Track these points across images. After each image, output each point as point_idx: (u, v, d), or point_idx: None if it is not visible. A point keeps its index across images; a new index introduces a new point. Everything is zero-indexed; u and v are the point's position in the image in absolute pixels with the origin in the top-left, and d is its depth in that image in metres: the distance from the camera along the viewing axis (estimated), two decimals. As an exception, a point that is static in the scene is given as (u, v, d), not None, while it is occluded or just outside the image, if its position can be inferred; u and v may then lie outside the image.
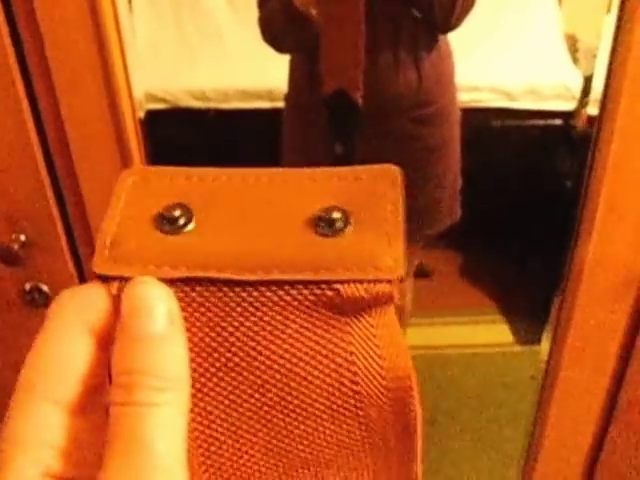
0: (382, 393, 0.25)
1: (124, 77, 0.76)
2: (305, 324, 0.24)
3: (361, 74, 1.18)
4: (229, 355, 0.24)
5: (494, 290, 2.48)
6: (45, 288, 0.86)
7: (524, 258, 2.40)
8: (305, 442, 0.25)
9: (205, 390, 0.24)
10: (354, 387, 0.24)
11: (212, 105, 2.21)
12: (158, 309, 0.23)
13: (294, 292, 0.23)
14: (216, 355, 0.24)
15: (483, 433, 2.00)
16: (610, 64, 0.74)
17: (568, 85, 2.15)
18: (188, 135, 2.15)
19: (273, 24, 1.29)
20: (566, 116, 2.17)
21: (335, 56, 1.19)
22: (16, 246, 0.81)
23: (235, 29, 2.26)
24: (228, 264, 0.23)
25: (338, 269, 0.23)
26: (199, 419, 0.24)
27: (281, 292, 0.23)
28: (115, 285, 0.24)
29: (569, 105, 2.16)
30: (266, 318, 0.23)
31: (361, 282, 0.23)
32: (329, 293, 0.23)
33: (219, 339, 0.24)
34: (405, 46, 1.26)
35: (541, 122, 2.20)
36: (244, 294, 0.23)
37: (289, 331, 0.24)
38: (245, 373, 0.24)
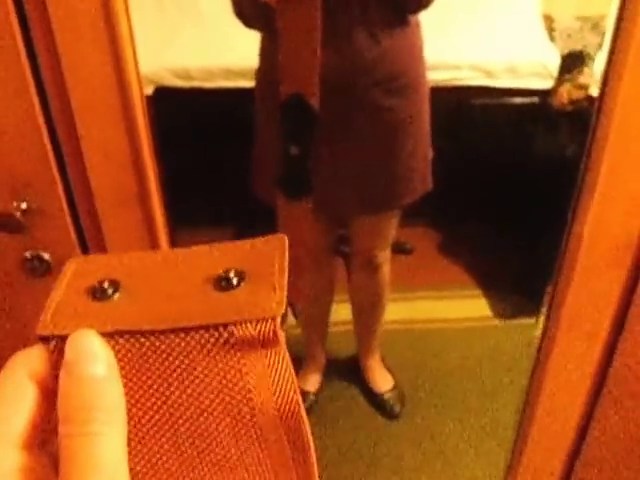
0: (276, 420, 0.29)
1: (130, 44, 0.73)
2: (208, 366, 0.28)
3: (317, 79, 1.14)
4: (147, 394, 0.28)
5: (472, 266, 2.49)
6: (46, 256, 0.82)
7: (501, 234, 2.41)
8: (216, 467, 0.29)
9: (128, 423, 0.28)
10: (253, 417, 0.28)
11: (196, 84, 2.17)
12: (100, 355, 0.27)
13: (197, 336, 0.27)
14: (137, 395, 0.28)
15: (464, 405, 2.01)
16: (615, 33, 0.73)
17: (546, 63, 2.15)
18: (173, 114, 2.11)
19: (240, 2, 1.29)
20: (543, 94, 2.17)
21: (292, 60, 1.14)
22: (18, 214, 0.78)
23: (216, 5, 2.20)
24: (146, 320, 0.28)
25: (232, 314, 0.28)
26: None
27: (187, 338, 0.27)
28: (53, 343, 0.28)
29: (546, 83, 2.17)
30: (176, 362, 0.28)
31: (250, 322, 0.27)
32: (225, 334, 0.27)
33: (139, 382, 0.28)
34: (376, 20, 1.26)
35: (519, 100, 2.21)
36: (158, 342, 0.28)
37: (195, 372, 0.28)
38: (160, 409, 0.28)
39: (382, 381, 2.02)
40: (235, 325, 0.27)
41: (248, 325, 0.28)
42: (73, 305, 0.29)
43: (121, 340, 0.28)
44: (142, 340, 0.28)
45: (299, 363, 2.02)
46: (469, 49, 2.17)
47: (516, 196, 2.25)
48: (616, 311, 0.91)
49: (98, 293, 0.30)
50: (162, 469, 0.29)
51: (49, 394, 0.27)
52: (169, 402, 0.28)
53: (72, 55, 0.70)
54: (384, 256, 1.77)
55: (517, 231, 2.32)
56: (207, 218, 2.16)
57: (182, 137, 2.05)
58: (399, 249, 2.36)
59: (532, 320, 2.23)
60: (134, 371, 0.28)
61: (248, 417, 0.28)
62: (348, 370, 2.08)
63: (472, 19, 2.24)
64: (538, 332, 1.03)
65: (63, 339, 0.27)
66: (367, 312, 1.94)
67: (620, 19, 0.73)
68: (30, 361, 0.27)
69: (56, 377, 0.27)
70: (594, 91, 2.13)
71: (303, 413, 0.29)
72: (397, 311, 2.19)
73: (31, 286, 0.86)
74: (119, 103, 0.74)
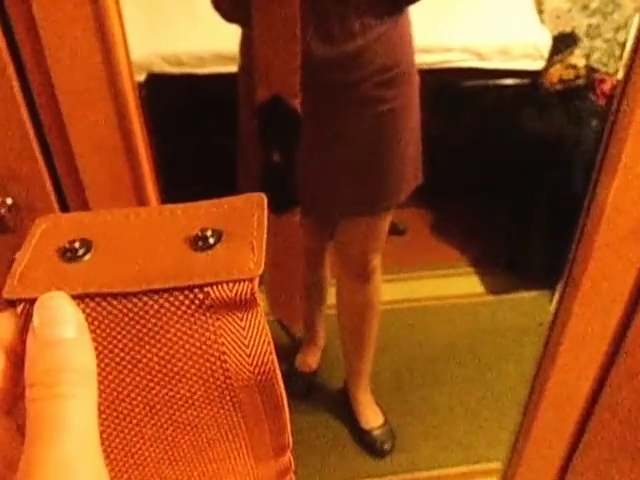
0: (251, 381, 0.27)
1: (120, 32, 0.65)
2: (182, 328, 0.26)
3: (298, 78, 1.04)
4: (119, 357, 0.26)
5: (464, 245, 2.47)
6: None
7: (492, 213, 2.38)
8: (188, 428, 0.28)
9: (99, 387, 0.26)
10: (227, 379, 0.27)
11: (187, 70, 2.08)
12: (69, 317, 0.25)
13: (171, 299, 0.26)
14: (108, 358, 0.26)
15: (459, 380, 1.98)
16: None
17: (537, 45, 2.09)
18: (165, 101, 2.03)
19: None
20: (534, 75, 2.11)
21: (270, 59, 1.04)
22: (3, 210, 0.70)
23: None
24: (118, 282, 0.26)
25: (208, 275, 0.26)
26: None
27: (161, 300, 0.26)
28: (21, 306, 0.26)
29: (538, 64, 2.10)
30: (149, 325, 0.26)
31: (227, 283, 0.26)
32: (200, 296, 0.26)
33: (110, 344, 0.26)
34: (368, 14, 1.17)
35: (510, 81, 2.14)
36: (130, 305, 0.26)
37: (169, 335, 0.26)
38: (132, 372, 0.26)
39: (372, 416, 1.86)
40: (211, 286, 0.26)
41: (224, 286, 0.26)
42: (42, 267, 0.27)
43: (92, 303, 0.26)
44: (114, 302, 0.26)
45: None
46: (460, 31, 2.09)
47: (507, 175, 2.22)
48: (632, 288, 0.87)
49: (68, 253, 0.27)
50: (134, 432, 0.28)
51: (16, 360, 0.25)
52: (141, 365, 0.27)
53: (56, 40, 0.62)
54: (377, 260, 1.62)
55: (508, 210, 2.30)
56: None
57: (175, 124, 1.98)
58: (392, 230, 2.31)
59: (524, 295, 2.25)
60: (105, 334, 0.26)
61: (222, 379, 0.27)
62: (335, 402, 1.94)
63: (463, 1, 2.16)
64: (545, 316, 0.99)
65: (31, 302, 0.26)
66: (357, 329, 1.75)
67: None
68: None
69: (24, 342, 0.25)
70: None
71: (278, 373, 0.28)
72: (391, 291, 2.14)
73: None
74: (108, 90, 0.66)
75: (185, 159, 2.01)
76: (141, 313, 0.26)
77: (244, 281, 0.26)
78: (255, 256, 0.27)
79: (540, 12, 2.30)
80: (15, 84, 0.65)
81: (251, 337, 0.27)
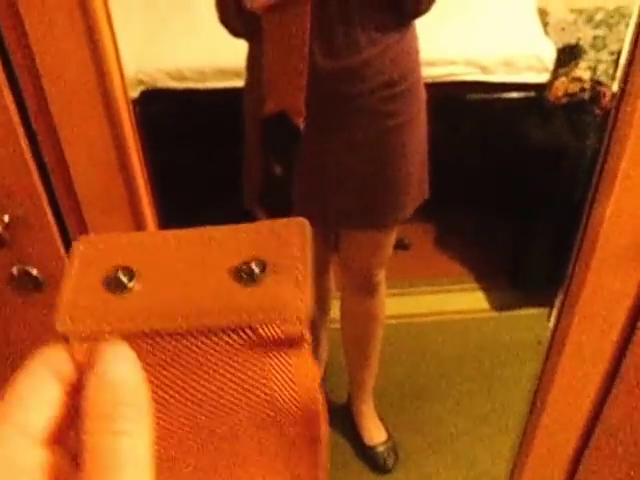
0: (296, 416, 0.28)
1: (113, 47, 0.66)
2: (231, 363, 0.27)
3: (304, 99, 1.06)
4: (168, 391, 0.27)
5: (469, 260, 2.45)
6: (35, 272, 0.75)
7: (498, 228, 2.37)
8: (231, 455, 0.29)
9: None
10: (273, 413, 0.28)
11: (190, 85, 2.09)
12: (126, 358, 0.26)
13: (222, 337, 0.26)
14: (159, 393, 0.27)
15: (463, 397, 1.97)
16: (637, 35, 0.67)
17: (541, 57, 2.09)
18: (168, 115, 2.04)
19: (225, 10, 1.20)
20: (539, 88, 2.11)
21: (279, 77, 1.07)
22: (0, 228, 0.71)
23: (208, 5, 2.12)
24: (166, 315, 0.26)
25: (258, 313, 0.26)
26: None
27: (211, 338, 0.26)
28: (74, 340, 0.26)
29: (542, 77, 2.10)
30: (198, 360, 0.27)
31: (276, 322, 0.26)
32: (250, 334, 0.26)
33: (160, 379, 0.27)
34: (374, 23, 1.18)
35: (515, 94, 2.14)
36: (180, 341, 0.26)
37: (217, 370, 0.27)
38: (180, 405, 0.27)
39: (375, 432, 1.85)
40: (261, 325, 0.26)
41: (274, 326, 0.26)
42: (89, 298, 0.27)
43: (143, 339, 0.27)
44: (164, 340, 0.27)
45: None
46: (463, 44, 2.10)
47: (512, 190, 2.21)
48: (630, 307, 0.87)
49: (113, 284, 0.28)
50: (183, 465, 0.29)
51: (70, 390, 0.26)
52: (190, 398, 0.27)
53: (49, 56, 0.63)
54: (382, 274, 1.61)
55: (513, 224, 2.29)
56: (201, 218, 2.09)
57: (176, 137, 1.99)
58: (397, 244, 2.31)
59: (528, 311, 2.24)
60: (155, 368, 0.27)
61: (268, 412, 0.28)
62: (338, 417, 1.91)
63: (467, 14, 2.17)
64: (546, 332, 0.99)
65: (84, 335, 0.26)
66: (361, 342, 1.74)
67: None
68: (51, 357, 0.26)
69: (78, 372, 0.26)
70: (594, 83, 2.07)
71: (323, 410, 0.28)
72: (395, 306, 2.13)
73: (21, 304, 0.78)
74: (102, 106, 0.66)
75: (185, 173, 2.02)
76: (191, 349, 0.27)
77: (293, 320, 0.26)
78: (302, 292, 0.27)
79: (545, 24, 2.30)
80: (10, 101, 0.66)
81: (299, 375, 0.27)
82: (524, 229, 2.22)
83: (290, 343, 0.27)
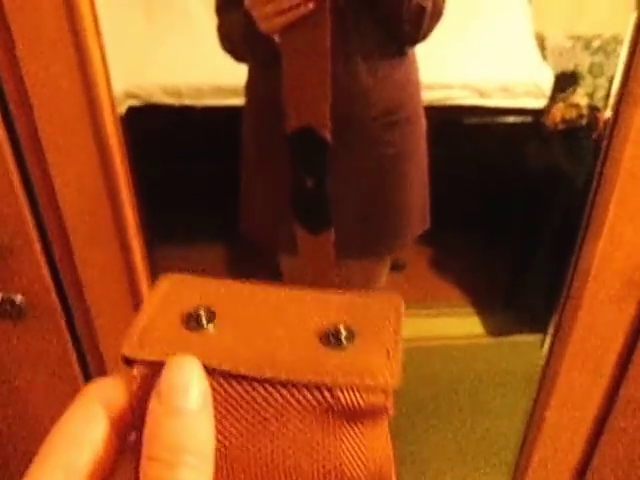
0: None
1: (102, 70, 0.65)
2: (302, 424, 0.25)
3: (328, 110, 1.07)
4: (234, 441, 0.25)
5: (464, 283, 2.45)
6: (18, 299, 0.74)
7: (493, 251, 2.37)
8: None
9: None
10: None
11: (186, 102, 2.09)
12: (195, 387, 0.24)
13: (298, 394, 0.25)
14: (223, 440, 0.25)
15: (457, 422, 1.96)
16: (628, 65, 0.67)
17: (539, 83, 2.10)
18: (162, 131, 2.04)
19: (232, 36, 1.18)
20: (537, 113, 2.12)
21: (300, 91, 1.07)
22: (-17, 254, 0.70)
23: (207, 18, 2.13)
24: (243, 361, 0.25)
25: (340, 378, 0.25)
26: None
27: (286, 392, 0.25)
28: (140, 368, 0.25)
29: (540, 102, 2.11)
30: (269, 414, 0.25)
31: (360, 390, 0.25)
32: (329, 398, 0.25)
33: (225, 426, 0.25)
34: (373, 50, 1.19)
35: (512, 119, 2.15)
36: (253, 390, 0.25)
37: (287, 428, 0.25)
38: (244, 457, 0.25)
39: None
40: (342, 391, 0.25)
41: (357, 394, 0.25)
42: (164, 330, 0.27)
43: (214, 379, 0.25)
44: (237, 384, 0.25)
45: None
46: (461, 68, 2.11)
47: (508, 213, 2.21)
48: (622, 345, 0.87)
49: (193, 322, 0.27)
50: None
51: (120, 429, 0.25)
52: (255, 454, 0.26)
53: (40, 86, 0.62)
54: None
55: (510, 248, 2.29)
56: (194, 236, 2.10)
57: (170, 154, 1.99)
58: (392, 265, 2.31)
59: (524, 337, 2.23)
60: (222, 414, 0.25)
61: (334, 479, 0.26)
62: None
63: (464, 38, 2.18)
64: (541, 361, 0.98)
65: (151, 366, 0.25)
66: None
67: (636, 42, 0.66)
68: (105, 391, 0.25)
69: (133, 410, 0.25)
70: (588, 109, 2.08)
71: None
72: (389, 330, 2.12)
73: (3, 332, 0.77)
74: (91, 135, 0.66)
75: (178, 188, 2.03)
76: (263, 400, 0.25)
77: (378, 391, 0.25)
78: (391, 364, 0.26)
79: (542, 49, 2.32)
80: (1, 129, 0.66)
81: (373, 448, 0.26)
82: (521, 253, 2.22)
83: (370, 414, 0.25)
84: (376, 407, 0.25)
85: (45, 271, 0.74)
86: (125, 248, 0.75)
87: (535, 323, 2.19)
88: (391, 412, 0.26)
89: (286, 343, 0.26)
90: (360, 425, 0.25)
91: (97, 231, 0.73)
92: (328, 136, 1.15)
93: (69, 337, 0.79)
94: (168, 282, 0.29)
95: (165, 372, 0.24)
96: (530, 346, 2.17)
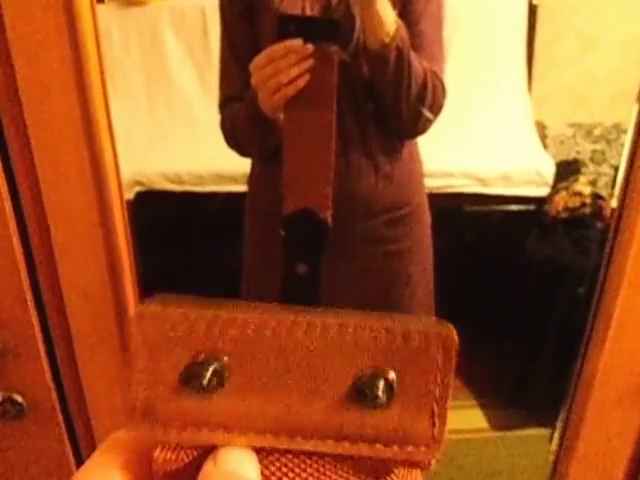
0: None
1: (112, 161, 0.71)
2: (336, 477, 0.24)
3: (331, 192, 1.10)
4: None
5: (467, 375, 2.43)
6: (19, 399, 0.77)
7: (496, 343, 2.38)
8: None
9: None
10: None
11: (187, 188, 2.17)
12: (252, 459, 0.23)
13: (332, 466, 0.24)
14: None
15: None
16: (633, 154, 0.71)
17: (540, 172, 2.17)
18: (163, 217, 2.10)
19: (237, 128, 1.22)
20: (538, 201, 2.18)
21: (301, 172, 1.11)
22: (-11, 357, 0.74)
23: (208, 113, 2.24)
24: (268, 429, 0.23)
25: (380, 447, 0.23)
26: None
27: (320, 461, 0.23)
28: (157, 450, 0.24)
29: (541, 191, 2.18)
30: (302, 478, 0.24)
31: (401, 464, 0.24)
32: (364, 464, 0.24)
33: None
34: (374, 144, 1.22)
35: (514, 207, 2.21)
36: (280, 460, 0.23)
37: None
38: None
39: None
40: (382, 460, 0.23)
41: (399, 469, 0.24)
42: (167, 397, 0.23)
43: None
44: (260, 457, 0.23)
45: None
46: (462, 157, 2.18)
47: (512, 303, 2.23)
48: (633, 452, 0.87)
49: (196, 381, 0.23)
50: None
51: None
52: None
53: (54, 194, 0.68)
54: None
55: (514, 339, 2.29)
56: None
57: (172, 240, 2.04)
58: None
59: (530, 432, 2.21)
60: None
61: None
62: None
63: (465, 126, 2.27)
64: (552, 447, 0.98)
65: (168, 446, 0.24)
66: None
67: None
68: (123, 446, 0.25)
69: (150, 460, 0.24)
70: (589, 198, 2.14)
71: None
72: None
73: (3, 430, 0.80)
74: (102, 240, 0.71)
75: (181, 275, 2.06)
76: (290, 470, 0.24)
77: (419, 465, 0.24)
78: (436, 426, 0.23)
79: (543, 137, 2.40)
80: (15, 235, 0.71)
81: None
82: (525, 345, 2.23)
83: (409, 465, 0.24)
84: (416, 461, 0.24)
85: (47, 372, 0.78)
86: (127, 348, 0.78)
87: (541, 417, 2.17)
88: (433, 464, 0.24)
89: (315, 402, 0.23)
90: (394, 476, 0.24)
91: (100, 336, 0.77)
92: (329, 218, 1.17)
93: (67, 439, 0.81)
94: (148, 322, 0.24)
95: (220, 459, 0.23)
96: (536, 441, 2.15)
